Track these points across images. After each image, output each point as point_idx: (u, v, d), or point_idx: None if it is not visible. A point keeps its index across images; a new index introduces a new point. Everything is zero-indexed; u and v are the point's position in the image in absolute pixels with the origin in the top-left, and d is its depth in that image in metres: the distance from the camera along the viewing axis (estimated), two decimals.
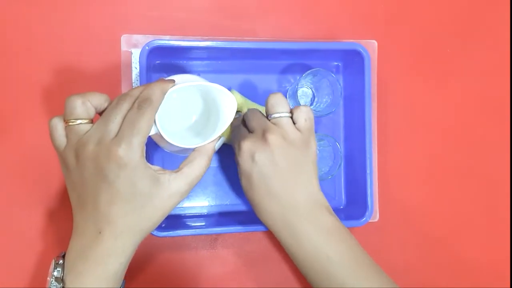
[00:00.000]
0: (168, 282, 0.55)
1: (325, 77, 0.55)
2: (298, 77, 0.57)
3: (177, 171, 0.40)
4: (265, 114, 0.48)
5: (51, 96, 0.54)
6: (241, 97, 0.55)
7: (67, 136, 0.39)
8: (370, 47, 0.60)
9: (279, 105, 0.46)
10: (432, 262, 0.61)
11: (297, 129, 0.46)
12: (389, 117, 0.61)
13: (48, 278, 0.38)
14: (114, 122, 0.38)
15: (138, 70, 0.51)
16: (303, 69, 0.57)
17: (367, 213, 0.54)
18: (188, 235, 0.54)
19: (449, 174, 0.62)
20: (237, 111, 0.48)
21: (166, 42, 0.50)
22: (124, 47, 0.55)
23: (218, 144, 0.51)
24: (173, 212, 0.55)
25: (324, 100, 0.57)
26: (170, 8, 0.56)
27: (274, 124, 0.45)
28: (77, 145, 0.38)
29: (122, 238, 0.38)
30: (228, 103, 0.43)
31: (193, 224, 0.54)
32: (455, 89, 0.63)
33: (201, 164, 0.42)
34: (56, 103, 0.53)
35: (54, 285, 0.37)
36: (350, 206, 0.58)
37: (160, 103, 0.39)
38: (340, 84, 0.54)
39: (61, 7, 0.54)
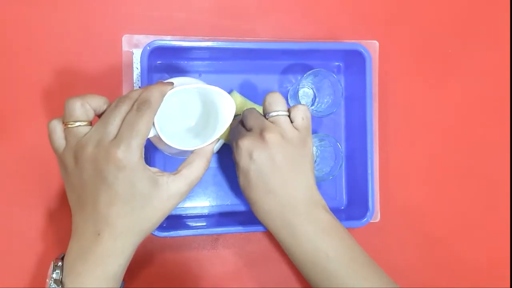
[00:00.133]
0: (168, 282, 0.55)
1: (326, 78, 0.55)
2: (299, 78, 0.57)
3: (176, 173, 0.40)
4: (263, 114, 0.48)
5: (51, 96, 0.54)
6: (242, 98, 0.55)
7: (66, 138, 0.39)
8: (372, 47, 0.60)
9: (277, 104, 0.46)
10: (432, 262, 0.61)
11: (295, 127, 0.46)
12: (389, 117, 0.61)
13: (47, 280, 0.38)
14: (113, 124, 0.38)
15: (139, 70, 0.51)
16: (304, 69, 0.57)
17: (368, 214, 0.54)
18: (189, 235, 0.54)
19: (450, 174, 0.62)
20: (237, 114, 0.48)
21: (167, 42, 0.50)
22: (125, 47, 0.55)
23: (217, 146, 0.51)
24: (174, 212, 0.55)
25: (325, 100, 0.57)
26: (170, 8, 0.56)
27: (272, 122, 0.46)
28: (76, 147, 0.38)
29: (122, 239, 0.38)
30: (226, 106, 0.43)
31: (194, 224, 0.54)
32: (455, 89, 0.63)
33: (199, 166, 0.42)
34: (56, 103, 0.53)
35: (53, 287, 0.37)
36: (351, 207, 0.58)
37: (159, 105, 0.39)
38: (341, 85, 0.54)
39: (61, 7, 0.54)
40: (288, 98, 0.58)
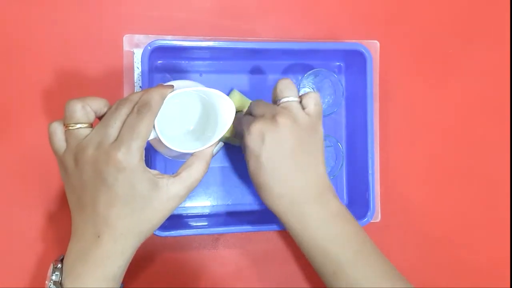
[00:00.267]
0: (169, 282, 0.55)
1: (327, 77, 0.55)
2: (300, 77, 0.57)
3: (176, 176, 0.40)
4: (273, 100, 0.47)
5: (51, 96, 0.54)
6: (242, 97, 0.55)
7: (66, 140, 0.39)
8: (372, 47, 0.59)
9: (289, 90, 0.46)
10: (432, 262, 0.61)
11: (306, 113, 0.45)
12: (389, 117, 0.61)
13: (46, 282, 0.38)
14: (114, 126, 0.38)
15: (140, 70, 0.51)
16: (305, 69, 0.57)
17: (368, 213, 0.54)
18: (190, 235, 0.54)
19: (450, 174, 0.62)
20: (238, 111, 0.47)
21: (168, 42, 0.50)
22: (126, 47, 0.54)
23: (216, 149, 0.51)
24: (175, 212, 0.54)
25: (326, 100, 0.57)
26: (170, 8, 0.56)
27: (284, 108, 0.45)
28: (76, 149, 0.38)
29: (122, 240, 0.38)
30: (226, 108, 0.43)
31: (195, 224, 0.54)
32: (456, 89, 0.63)
33: (199, 168, 0.41)
34: (56, 103, 0.53)
35: None
36: (352, 206, 0.58)
37: (159, 108, 0.39)
38: (342, 84, 0.54)
39: (62, 7, 0.54)
40: None
